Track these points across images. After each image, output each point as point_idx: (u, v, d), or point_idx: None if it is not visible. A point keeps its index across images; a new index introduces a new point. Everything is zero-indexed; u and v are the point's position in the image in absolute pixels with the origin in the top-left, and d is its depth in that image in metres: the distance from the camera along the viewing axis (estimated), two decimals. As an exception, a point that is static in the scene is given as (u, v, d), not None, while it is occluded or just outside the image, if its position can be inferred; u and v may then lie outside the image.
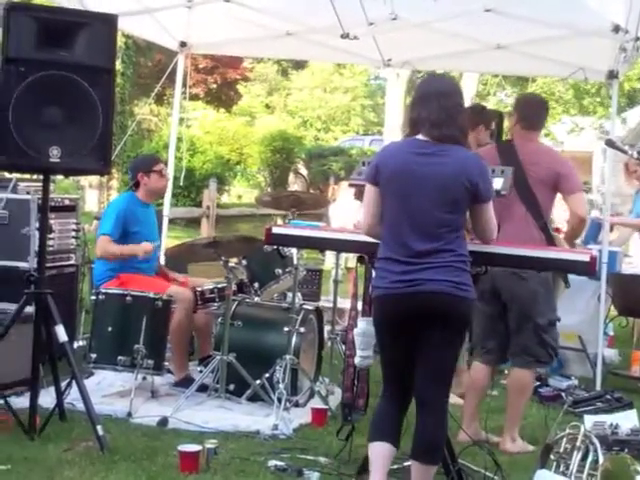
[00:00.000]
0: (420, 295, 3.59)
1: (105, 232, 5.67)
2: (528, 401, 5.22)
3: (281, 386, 5.19)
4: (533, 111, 5.11)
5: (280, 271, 6.06)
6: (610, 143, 4.82)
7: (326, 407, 5.31)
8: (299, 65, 31.98)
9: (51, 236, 5.81)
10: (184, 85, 7.66)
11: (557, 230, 6.88)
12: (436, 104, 3.66)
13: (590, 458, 3.86)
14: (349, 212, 9.08)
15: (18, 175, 5.70)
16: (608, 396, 5.91)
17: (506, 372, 5.47)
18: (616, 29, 5.59)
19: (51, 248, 5.82)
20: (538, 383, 6.30)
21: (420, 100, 3.75)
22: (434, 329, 3.62)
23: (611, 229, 7.32)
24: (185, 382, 5.53)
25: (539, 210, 4.81)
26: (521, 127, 5.02)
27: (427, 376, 3.69)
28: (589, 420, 4.73)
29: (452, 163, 3.62)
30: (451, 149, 3.65)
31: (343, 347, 5.77)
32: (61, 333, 4.58)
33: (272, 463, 4.32)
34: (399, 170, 3.68)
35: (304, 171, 24.11)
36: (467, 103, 17.17)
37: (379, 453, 3.73)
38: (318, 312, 5.95)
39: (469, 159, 3.68)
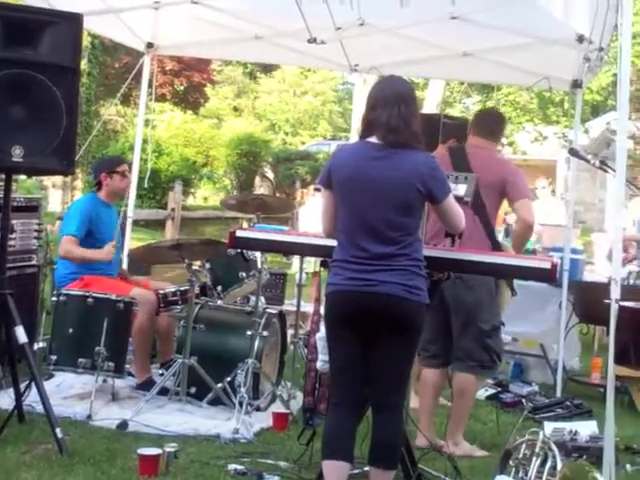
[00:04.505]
0: (372, 296, 3.58)
1: (70, 232, 5.62)
2: (473, 403, 5.19)
3: (243, 390, 5.19)
4: (490, 121, 5.25)
5: (244, 274, 6.05)
6: (574, 152, 4.88)
7: (287, 411, 5.30)
8: (267, 68, 31.95)
9: (12, 236, 5.73)
10: (150, 86, 7.62)
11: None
12: (396, 110, 3.63)
13: (549, 464, 3.89)
14: (317, 215, 9.05)
15: (-21, 174, 5.63)
16: (568, 403, 5.97)
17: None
18: (580, 39, 5.64)
19: (12, 248, 5.73)
20: (499, 389, 6.36)
21: (380, 103, 3.69)
22: (386, 332, 3.61)
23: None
24: (147, 385, 5.50)
25: (487, 217, 4.83)
26: (474, 134, 5.12)
27: (382, 380, 3.68)
28: (549, 426, 4.77)
29: (404, 167, 3.60)
30: (404, 153, 3.63)
31: (305, 351, 5.77)
32: (21, 334, 4.53)
33: (232, 467, 4.31)
34: (352, 174, 3.67)
35: (270, 175, 24.06)
36: (433, 110, 17.20)
37: (333, 472, 3.67)
38: (281, 316, 5.95)
39: (421, 162, 3.64)
